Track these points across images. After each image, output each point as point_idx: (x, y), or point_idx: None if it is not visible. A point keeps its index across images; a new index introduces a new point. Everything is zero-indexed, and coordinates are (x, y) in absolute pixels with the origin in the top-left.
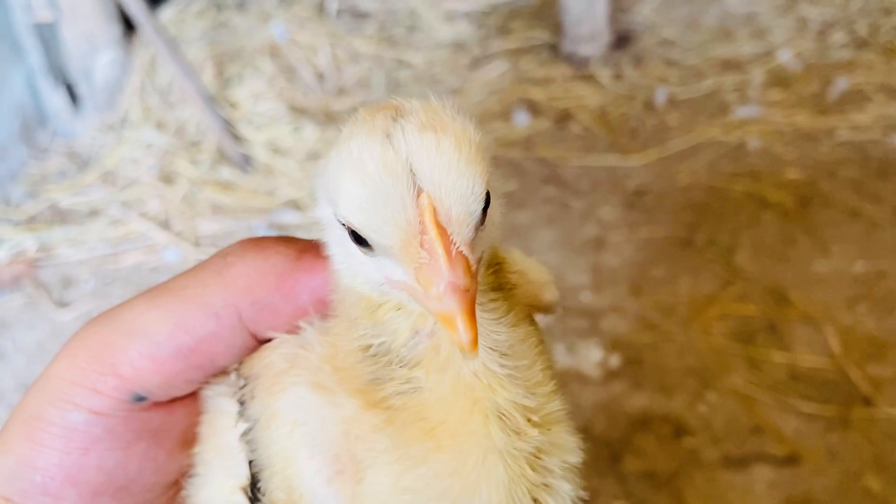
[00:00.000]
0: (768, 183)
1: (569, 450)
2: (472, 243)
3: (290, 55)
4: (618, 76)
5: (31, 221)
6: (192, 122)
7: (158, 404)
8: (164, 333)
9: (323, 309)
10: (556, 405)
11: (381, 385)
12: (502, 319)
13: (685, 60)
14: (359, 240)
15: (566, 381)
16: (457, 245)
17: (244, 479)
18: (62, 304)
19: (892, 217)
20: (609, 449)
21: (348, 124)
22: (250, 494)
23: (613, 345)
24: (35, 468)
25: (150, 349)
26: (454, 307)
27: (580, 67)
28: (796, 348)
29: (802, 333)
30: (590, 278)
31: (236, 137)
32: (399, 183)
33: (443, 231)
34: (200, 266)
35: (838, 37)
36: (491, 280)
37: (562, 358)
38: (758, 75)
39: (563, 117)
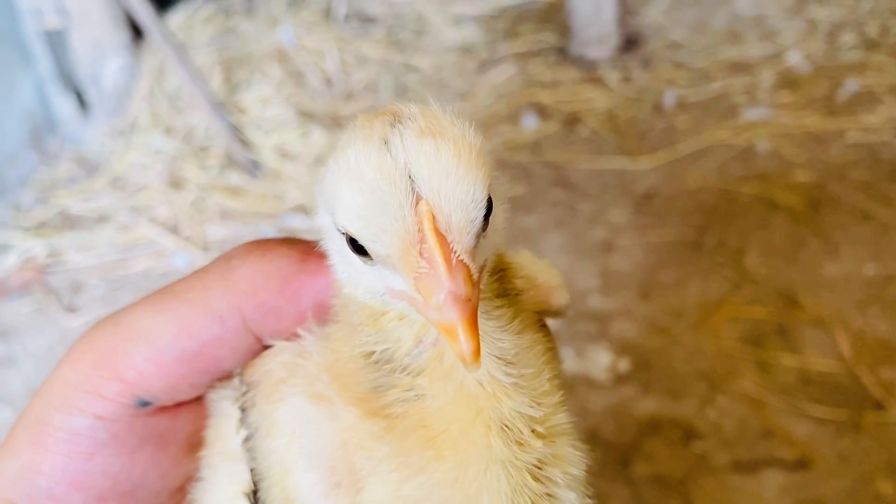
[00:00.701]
0: (778, 185)
1: (572, 462)
2: (474, 251)
3: (298, 60)
4: (626, 79)
5: (40, 227)
6: (200, 127)
7: (163, 409)
8: (168, 338)
9: (326, 313)
10: (561, 417)
11: (382, 392)
12: (507, 327)
13: (694, 63)
14: (358, 249)
15: (575, 385)
16: (457, 253)
17: (248, 484)
18: (71, 310)
19: None
20: (618, 453)
21: (347, 131)
22: (253, 501)
23: (622, 349)
24: (40, 473)
25: (154, 354)
26: (455, 317)
27: (588, 70)
28: (807, 352)
29: (813, 337)
30: (598, 282)
31: (245, 142)
32: (397, 190)
33: (442, 239)
34: (204, 269)
35: (848, 38)
36: (495, 287)
37: (571, 362)
38: (767, 77)
39: (572, 120)
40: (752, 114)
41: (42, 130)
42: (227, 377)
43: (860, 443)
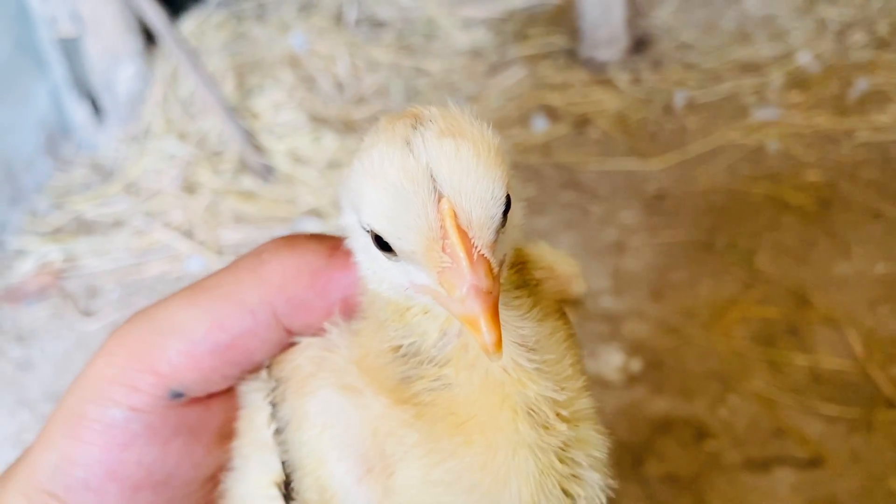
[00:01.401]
0: (788, 185)
1: (595, 445)
2: (494, 246)
3: (310, 65)
4: (636, 80)
5: (56, 233)
6: (213, 132)
7: (196, 400)
8: (200, 331)
9: (352, 307)
10: (585, 402)
11: (411, 383)
12: (527, 315)
13: (703, 63)
14: (383, 246)
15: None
16: (478, 248)
17: (279, 474)
18: (88, 314)
19: None
20: (631, 453)
21: (369, 133)
22: (284, 491)
23: (634, 349)
24: (77, 464)
25: (187, 346)
26: (477, 309)
27: (598, 72)
28: (818, 350)
29: (824, 335)
30: (610, 283)
31: (257, 147)
32: (420, 189)
33: (464, 235)
34: (235, 264)
35: (858, 37)
36: (515, 279)
37: None
38: (777, 77)
39: (582, 122)
40: (762, 114)
41: (57, 137)
42: (257, 369)
43: (872, 441)
